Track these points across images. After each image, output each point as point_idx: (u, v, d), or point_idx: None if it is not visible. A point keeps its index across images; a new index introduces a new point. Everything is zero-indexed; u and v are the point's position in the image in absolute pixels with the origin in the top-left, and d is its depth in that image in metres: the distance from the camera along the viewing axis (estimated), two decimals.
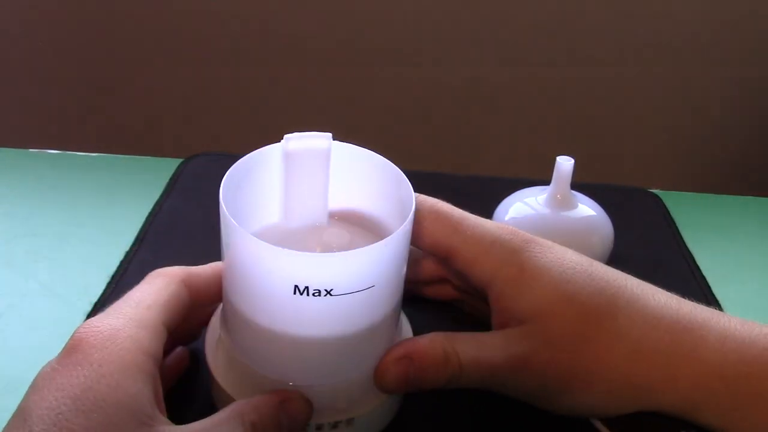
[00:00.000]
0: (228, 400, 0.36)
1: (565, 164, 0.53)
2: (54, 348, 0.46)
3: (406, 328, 0.41)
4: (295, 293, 0.31)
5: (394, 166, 0.37)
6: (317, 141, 0.38)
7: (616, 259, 0.56)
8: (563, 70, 0.82)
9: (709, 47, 0.80)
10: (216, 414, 0.32)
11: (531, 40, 0.80)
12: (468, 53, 0.81)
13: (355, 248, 0.32)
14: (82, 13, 0.80)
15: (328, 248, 0.38)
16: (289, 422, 0.33)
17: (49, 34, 0.81)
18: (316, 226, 0.41)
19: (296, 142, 0.38)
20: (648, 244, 0.58)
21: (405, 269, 0.36)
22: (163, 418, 0.31)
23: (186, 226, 0.56)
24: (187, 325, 0.38)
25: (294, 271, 0.31)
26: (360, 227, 0.41)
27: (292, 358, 0.34)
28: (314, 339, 0.33)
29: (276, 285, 0.32)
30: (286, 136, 0.38)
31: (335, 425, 0.36)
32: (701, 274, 0.55)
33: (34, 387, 0.29)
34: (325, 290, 0.31)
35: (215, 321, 0.39)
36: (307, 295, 0.31)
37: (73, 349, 0.30)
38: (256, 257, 0.32)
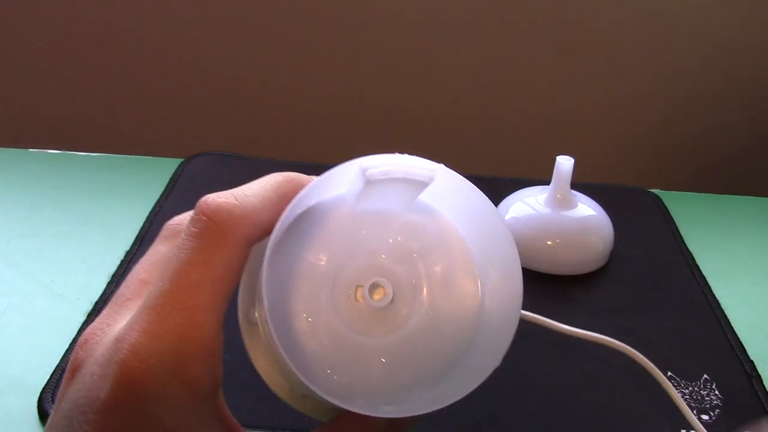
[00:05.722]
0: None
1: (565, 164, 0.53)
2: (54, 348, 0.46)
3: None
4: None
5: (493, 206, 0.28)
6: (418, 169, 0.27)
7: (616, 259, 0.56)
8: (563, 70, 0.82)
9: (709, 47, 0.80)
10: None
11: (531, 39, 0.80)
12: (467, 53, 0.81)
13: None
14: (83, 12, 0.80)
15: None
16: None
17: (50, 34, 0.81)
18: None
19: (379, 168, 0.27)
20: (648, 244, 0.58)
21: None
22: None
23: None
24: None
25: None
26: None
27: None
28: None
29: None
30: (362, 162, 0.27)
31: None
32: (701, 274, 0.55)
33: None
34: None
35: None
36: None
37: (124, 394, 0.23)
38: None
